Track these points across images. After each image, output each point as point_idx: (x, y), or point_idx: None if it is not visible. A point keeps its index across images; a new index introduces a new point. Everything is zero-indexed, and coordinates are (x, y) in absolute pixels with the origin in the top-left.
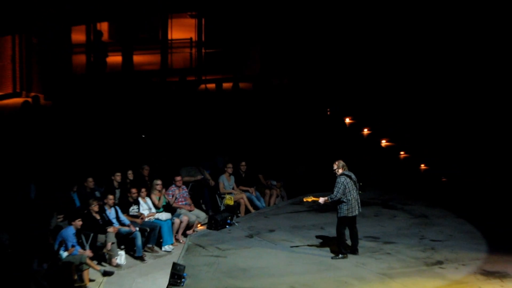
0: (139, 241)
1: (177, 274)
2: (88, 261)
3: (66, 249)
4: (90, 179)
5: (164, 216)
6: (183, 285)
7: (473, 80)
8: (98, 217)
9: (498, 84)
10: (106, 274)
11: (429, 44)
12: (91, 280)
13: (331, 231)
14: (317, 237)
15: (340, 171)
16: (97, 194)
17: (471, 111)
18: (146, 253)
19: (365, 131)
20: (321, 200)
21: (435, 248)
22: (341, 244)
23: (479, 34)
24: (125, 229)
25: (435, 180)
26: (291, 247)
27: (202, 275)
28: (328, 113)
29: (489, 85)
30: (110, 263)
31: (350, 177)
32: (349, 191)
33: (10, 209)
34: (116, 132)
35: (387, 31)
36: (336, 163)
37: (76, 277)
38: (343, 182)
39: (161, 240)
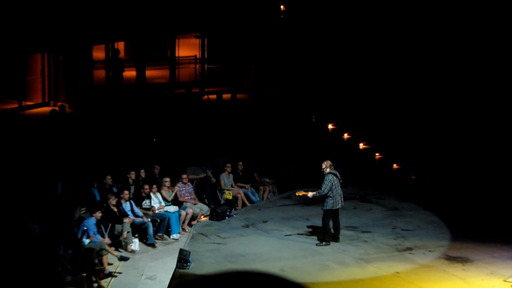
0: (150, 230)
1: (183, 259)
2: (107, 248)
3: (88, 237)
4: (109, 177)
5: (172, 208)
6: (188, 268)
7: (438, 91)
8: (115, 209)
9: (464, 91)
10: (122, 259)
11: (399, 57)
12: (109, 264)
13: (316, 222)
14: (304, 227)
15: (328, 170)
16: (115, 189)
17: (435, 118)
18: (156, 240)
19: (345, 135)
20: (310, 194)
21: (405, 236)
22: (325, 233)
23: (451, 42)
24: (139, 220)
25: (406, 178)
26: (283, 236)
27: (205, 260)
28: (313, 120)
29: (453, 94)
30: (125, 249)
31: (336, 175)
32: (335, 188)
33: (40, 202)
34: (131, 136)
35: (362, 49)
36: (325, 163)
37: (96, 261)
38: (330, 179)
39: (169, 230)
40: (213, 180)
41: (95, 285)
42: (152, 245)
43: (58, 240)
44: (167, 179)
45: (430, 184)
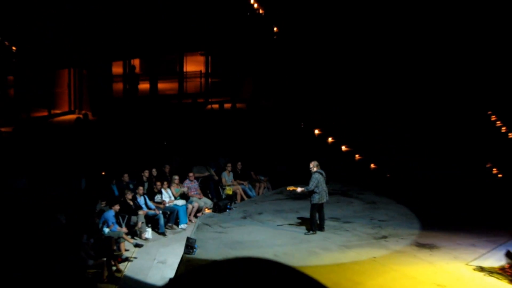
0: (161, 221)
1: (190, 246)
2: (124, 236)
3: (107, 227)
4: (126, 175)
5: (180, 202)
6: (194, 254)
7: (409, 103)
8: (131, 203)
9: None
10: (137, 245)
11: (379, 71)
12: (126, 250)
13: (304, 214)
14: (294, 218)
15: (315, 169)
16: (131, 186)
17: (407, 124)
18: (167, 230)
19: (330, 139)
20: (299, 189)
21: (381, 226)
22: (312, 224)
23: (433, 50)
24: (151, 212)
25: (382, 176)
26: (276, 225)
27: (209, 246)
28: (302, 126)
29: (420, 104)
30: (140, 237)
31: (321, 174)
32: (321, 184)
33: (66, 196)
34: (144, 139)
35: (343, 68)
36: (312, 163)
37: (115, 247)
38: (316, 177)
39: (178, 220)
40: (216, 177)
41: (114, 268)
42: (163, 234)
43: (81, 230)
44: (176, 177)
45: (403, 181)
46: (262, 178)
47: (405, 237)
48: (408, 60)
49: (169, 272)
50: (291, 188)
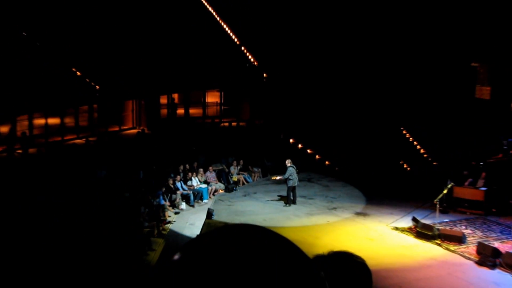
0: (191, 197)
1: (210, 213)
2: (167, 207)
3: (156, 201)
4: (169, 169)
5: (204, 186)
6: (213, 218)
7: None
8: (172, 186)
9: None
10: (176, 213)
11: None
12: (168, 216)
13: (283, 193)
14: (276, 196)
15: (289, 164)
16: (172, 175)
17: (351, 137)
18: (195, 203)
19: (300, 145)
20: (279, 177)
21: (332, 201)
22: (288, 199)
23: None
24: (185, 192)
25: (333, 169)
26: (265, 200)
27: (222, 214)
28: (282, 137)
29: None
30: (178, 208)
31: (293, 167)
32: (293, 174)
33: (130, 182)
34: (181, 145)
35: (311, 95)
36: (287, 160)
37: (161, 215)
38: (290, 170)
39: (202, 197)
40: (226, 170)
41: (161, 228)
42: (192, 206)
43: (139, 203)
44: (201, 170)
45: (346, 172)
46: (256, 170)
47: (347, 208)
48: (351, 88)
49: (196, 230)
50: (275, 177)
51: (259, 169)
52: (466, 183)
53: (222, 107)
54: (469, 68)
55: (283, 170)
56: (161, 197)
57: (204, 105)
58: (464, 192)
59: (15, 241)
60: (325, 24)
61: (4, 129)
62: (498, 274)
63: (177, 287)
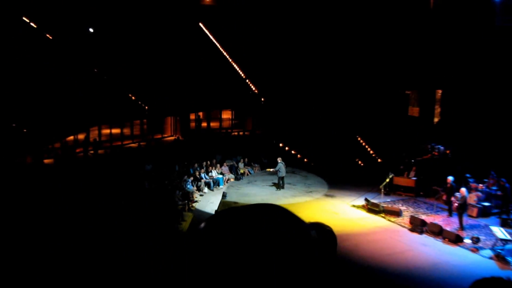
0: (211, 184)
1: (224, 195)
2: (194, 190)
3: (184, 186)
4: (196, 164)
5: (220, 176)
6: (226, 199)
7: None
8: (198, 176)
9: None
10: (200, 195)
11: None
12: (196, 197)
13: (275, 181)
14: (271, 182)
15: (279, 160)
16: (198, 168)
17: (323, 142)
18: (214, 188)
19: (287, 148)
20: (272, 170)
21: (309, 187)
22: (279, 185)
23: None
24: (207, 180)
25: (310, 164)
26: (262, 186)
27: (232, 195)
28: (274, 142)
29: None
30: (202, 191)
31: (283, 163)
32: (282, 168)
33: (169, 174)
34: (204, 148)
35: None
36: (279, 158)
37: (190, 196)
38: (280, 164)
39: (219, 184)
40: (236, 165)
41: (190, 205)
42: (212, 190)
43: (175, 188)
44: (218, 165)
45: (319, 166)
46: (256, 165)
47: (319, 192)
48: (323, 109)
49: (215, 207)
50: (269, 169)
51: (258, 165)
52: (405, 175)
53: (233, 121)
54: (404, 95)
55: (275, 165)
56: (190, 184)
57: (220, 120)
58: (401, 181)
59: (91, 212)
60: (300, 63)
61: (81, 136)
62: (424, 238)
63: (202, 248)
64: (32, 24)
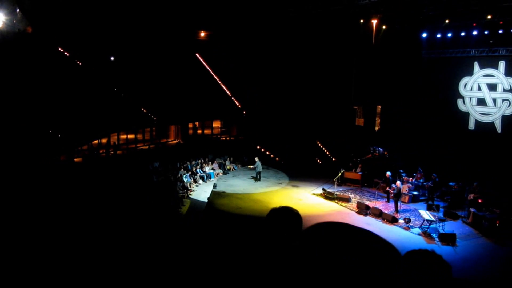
0: (205, 177)
1: (215, 186)
2: (192, 182)
3: (184, 179)
4: (193, 161)
5: (212, 171)
6: (216, 189)
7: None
8: (194, 171)
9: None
10: (196, 186)
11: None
12: (192, 187)
13: (254, 175)
14: (250, 176)
15: (257, 159)
16: (194, 164)
17: (290, 144)
18: (207, 180)
19: (263, 149)
20: (251, 167)
21: (279, 179)
22: (256, 178)
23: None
24: (201, 174)
25: (281, 163)
26: (244, 179)
27: (221, 185)
28: (253, 145)
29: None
30: (197, 183)
31: (259, 161)
32: (259, 165)
33: (172, 169)
34: (199, 149)
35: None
36: (256, 157)
37: (188, 186)
38: (257, 162)
39: (210, 177)
40: (224, 163)
41: (188, 193)
42: (205, 182)
43: (176, 181)
44: (210, 162)
45: (288, 164)
46: (239, 163)
47: (287, 183)
48: (289, 120)
49: (207, 194)
50: (250, 166)
51: (240, 163)
52: (353, 171)
53: (222, 129)
54: (352, 109)
55: (253, 163)
56: (188, 177)
57: (212, 128)
58: (350, 175)
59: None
60: (273, 84)
61: (104, 140)
62: (368, 219)
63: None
64: (65, 53)
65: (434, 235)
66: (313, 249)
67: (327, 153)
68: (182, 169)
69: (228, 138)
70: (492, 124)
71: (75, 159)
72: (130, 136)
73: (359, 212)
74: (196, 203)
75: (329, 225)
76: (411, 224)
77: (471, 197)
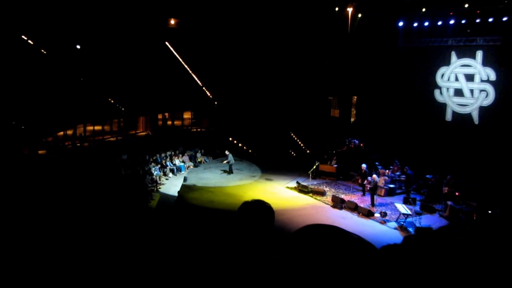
0: (175, 170)
1: (185, 179)
2: (161, 175)
3: (155, 172)
4: (163, 154)
5: (182, 164)
6: (186, 182)
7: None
8: (164, 164)
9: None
10: (166, 179)
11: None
12: (162, 181)
13: (226, 168)
14: (222, 169)
15: (227, 152)
16: (164, 157)
17: (265, 139)
18: (177, 173)
19: (235, 141)
20: (225, 162)
21: (253, 172)
22: (230, 171)
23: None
24: (172, 167)
25: (254, 156)
26: (217, 172)
27: (191, 179)
28: (225, 137)
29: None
30: (167, 176)
31: (232, 154)
32: (232, 158)
33: (142, 161)
34: (169, 142)
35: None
36: (226, 151)
37: (158, 179)
38: (229, 155)
39: (181, 170)
40: (194, 155)
41: (158, 187)
42: (175, 175)
43: (145, 174)
44: (180, 155)
45: (261, 157)
46: (211, 155)
47: (261, 176)
48: (263, 112)
49: (177, 188)
50: (224, 162)
51: (212, 155)
52: (328, 163)
53: (193, 120)
54: (327, 100)
55: (225, 156)
56: (157, 170)
57: (182, 119)
58: (325, 167)
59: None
60: (246, 74)
61: (70, 132)
62: (343, 213)
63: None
64: (29, 41)
65: (410, 229)
66: (298, 264)
67: (302, 145)
68: (152, 162)
69: (199, 129)
70: (469, 115)
71: (39, 152)
72: (97, 128)
73: (334, 206)
74: (166, 197)
75: (319, 230)
76: (387, 218)
77: (446, 191)
